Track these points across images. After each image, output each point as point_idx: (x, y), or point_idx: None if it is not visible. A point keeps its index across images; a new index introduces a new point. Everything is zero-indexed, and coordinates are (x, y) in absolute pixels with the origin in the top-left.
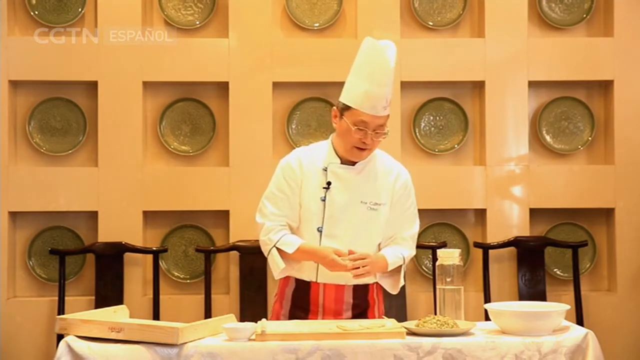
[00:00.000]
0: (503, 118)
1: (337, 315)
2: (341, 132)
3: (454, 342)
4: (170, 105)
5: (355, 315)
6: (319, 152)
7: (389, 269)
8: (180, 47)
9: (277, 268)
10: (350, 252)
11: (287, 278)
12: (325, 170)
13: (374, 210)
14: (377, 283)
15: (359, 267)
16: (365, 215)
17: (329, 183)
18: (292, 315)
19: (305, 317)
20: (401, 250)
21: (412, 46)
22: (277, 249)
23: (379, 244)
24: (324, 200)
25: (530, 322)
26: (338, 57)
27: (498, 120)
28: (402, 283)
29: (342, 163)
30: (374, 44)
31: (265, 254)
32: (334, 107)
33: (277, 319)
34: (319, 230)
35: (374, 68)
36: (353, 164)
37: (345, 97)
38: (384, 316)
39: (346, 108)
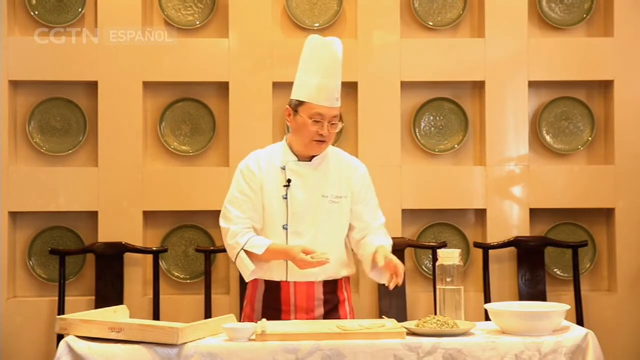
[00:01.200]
0: (503, 118)
1: (309, 312)
2: (297, 128)
3: (454, 342)
4: (170, 105)
5: (327, 312)
6: (276, 152)
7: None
8: (180, 47)
9: (247, 270)
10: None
11: (255, 280)
12: (284, 169)
13: (335, 203)
14: (346, 278)
15: (324, 262)
16: (327, 209)
17: (289, 180)
18: (264, 317)
19: (278, 317)
20: (385, 239)
21: (412, 46)
22: (246, 251)
23: (345, 237)
24: (285, 198)
25: (530, 322)
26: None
27: (498, 120)
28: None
29: (298, 160)
30: (320, 39)
31: (233, 258)
32: (287, 107)
33: (250, 322)
34: (284, 228)
35: (324, 62)
36: (310, 160)
37: (297, 94)
38: (383, 316)
39: (300, 104)
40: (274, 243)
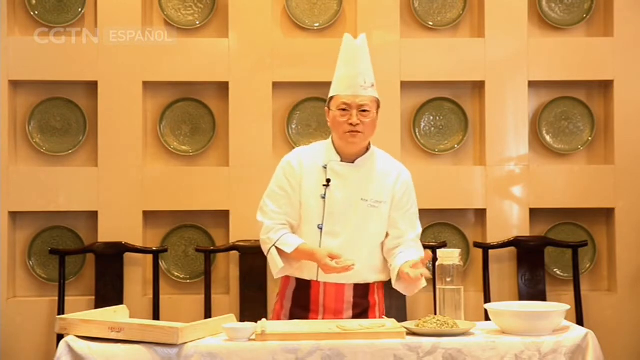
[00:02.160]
0: (503, 118)
1: (337, 314)
2: (332, 124)
3: (454, 342)
4: (170, 105)
5: (356, 315)
6: (320, 151)
7: None
8: (180, 47)
9: (275, 267)
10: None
11: (287, 278)
12: (325, 168)
13: (375, 207)
14: (379, 283)
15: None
16: (366, 212)
17: (328, 180)
18: (292, 315)
19: (305, 317)
20: (417, 253)
21: (412, 46)
22: (277, 248)
23: (382, 243)
24: (323, 198)
25: (530, 322)
26: (338, 57)
27: (498, 120)
28: (424, 284)
29: (342, 161)
30: (348, 38)
31: (265, 253)
32: (326, 108)
33: (278, 319)
34: (319, 228)
35: (345, 54)
36: (353, 161)
37: (330, 92)
38: (384, 316)
39: (330, 99)
40: (305, 243)
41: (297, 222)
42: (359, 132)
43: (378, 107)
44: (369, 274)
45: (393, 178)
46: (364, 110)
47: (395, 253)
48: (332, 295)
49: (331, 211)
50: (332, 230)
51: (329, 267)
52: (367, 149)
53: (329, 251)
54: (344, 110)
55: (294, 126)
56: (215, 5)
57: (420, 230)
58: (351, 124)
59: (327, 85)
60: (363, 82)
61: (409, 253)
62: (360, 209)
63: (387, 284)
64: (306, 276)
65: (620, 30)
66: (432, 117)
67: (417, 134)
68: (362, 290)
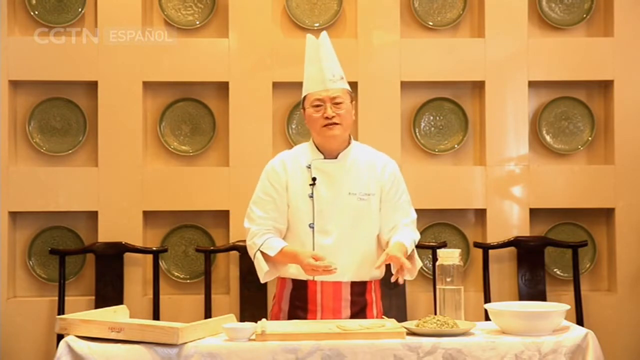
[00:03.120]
0: (503, 118)
1: (335, 313)
2: (309, 123)
3: (454, 342)
4: (170, 105)
5: (354, 314)
6: (302, 152)
7: (409, 252)
8: (180, 47)
9: (261, 271)
10: None
11: (284, 280)
12: (309, 168)
13: (364, 200)
14: (375, 280)
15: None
16: (356, 206)
17: (314, 179)
18: (291, 316)
19: (304, 317)
20: (409, 234)
21: (412, 46)
22: (262, 252)
23: (377, 236)
24: (311, 197)
25: (530, 322)
26: (338, 57)
27: (498, 120)
28: (420, 264)
29: (325, 158)
30: (310, 38)
31: (252, 258)
32: (301, 109)
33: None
34: (311, 227)
35: (311, 54)
36: (335, 157)
37: (302, 93)
38: (383, 316)
39: (303, 100)
40: (288, 246)
41: (284, 226)
42: (336, 123)
43: (352, 99)
44: (365, 271)
45: (379, 169)
46: (337, 103)
47: (389, 243)
48: (329, 294)
49: (320, 209)
50: (323, 229)
51: (311, 267)
52: (349, 143)
53: (313, 253)
54: (317, 106)
55: (294, 126)
56: (215, 5)
57: (415, 216)
58: (327, 118)
59: None
60: (331, 75)
61: (398, 235)
62: (349, 203)
63: (384, 283)
64: (302, 276)
65: (620, 30)
66: (432, 117)
67: (417, 134)
68: (359, 288)
